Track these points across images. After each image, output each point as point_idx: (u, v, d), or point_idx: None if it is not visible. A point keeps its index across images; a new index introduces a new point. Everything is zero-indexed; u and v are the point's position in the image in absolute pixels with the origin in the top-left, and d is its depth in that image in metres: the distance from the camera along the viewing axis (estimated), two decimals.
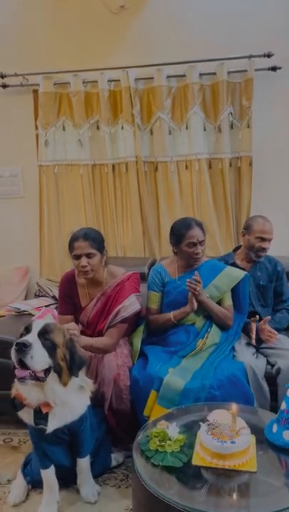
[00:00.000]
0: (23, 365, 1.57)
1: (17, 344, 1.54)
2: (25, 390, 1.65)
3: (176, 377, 2.02)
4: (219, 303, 2.37)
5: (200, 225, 2.35)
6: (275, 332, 2.31)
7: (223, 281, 2.36)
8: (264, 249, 2.47)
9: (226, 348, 2.28)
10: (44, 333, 1.63)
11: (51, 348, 1.63)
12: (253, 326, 2.32)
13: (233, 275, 2.38)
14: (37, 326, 1.64)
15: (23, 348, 1.54)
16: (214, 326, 2.33)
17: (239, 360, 2.19)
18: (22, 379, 1.57)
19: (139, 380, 2.09)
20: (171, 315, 2.32)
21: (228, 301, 2.39)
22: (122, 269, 2.33)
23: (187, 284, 2.22)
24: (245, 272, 2.40)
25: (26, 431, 2.29)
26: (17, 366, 1.57)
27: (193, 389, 1.97)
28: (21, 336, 1.63)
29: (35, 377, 1.60)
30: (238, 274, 2.38)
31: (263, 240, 2.45)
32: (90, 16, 2.98)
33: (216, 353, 2.23)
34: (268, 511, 1.24)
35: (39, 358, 1.59)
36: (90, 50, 3.01)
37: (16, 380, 1.61)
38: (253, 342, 2.31)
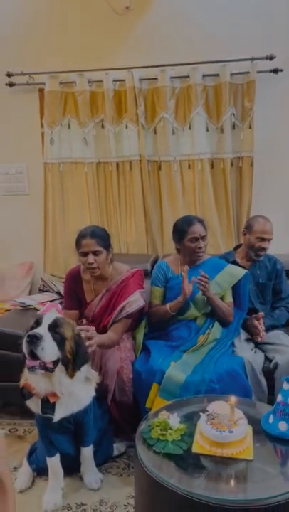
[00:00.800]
0: (34, 356, 1.64)
1: (29, 336, 1.61)
2: (34, 380, 1.73)
3: (178, 370, 2.09)
4: (220, 300, 2.44)
5: (201, 222, 2.43)
6: (263, 331, 2.38)
7: (225, 278, 2.43)
8: (264, 249, 2.53)
9: (225, 344, 2.35)
10: (54, 327, 1.70)
11: (60, 341, 1.70)
12: (257, 324, 2.39)
13: (234, 273, 2.45)
14: (47, 319, 1.71)
15: (35, 340, 1.61)
16: (216, 322, 2.40)
17: (238, 355, 2.26)
18: (32, 368, 1.64)
19: (142, 373, 2.15)
20: (167, 306, 2.39)
21: (229, 298, 2.46)
22: (127, 266, 2.40)
23: (196, 282, 2.27)
24: (246, 271, 2.47)
25: (31, 421, 2.40)
26: (28, 357, 1.64)
27: (194, 382, 2.04)
28: (31, 328, 1.69)
29: (45, 368, 1.67)
30: (239, 272, 2.45)
31: (262, 239, 2.51)
32: (95, 17, 3.03)
33: (216, 348, 2.30)
34: (263, 497, 1.30)
35: (49, 349, 1.65)
36: (95, 50, 3.06)
37: (26, 369, 1.68)
38: (260, 340, 2.37)
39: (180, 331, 2.39)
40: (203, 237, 2.40)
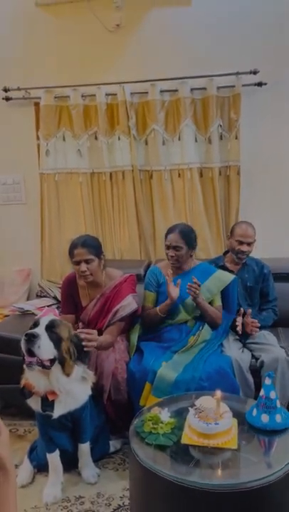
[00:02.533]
0: (32, 355, 1.76)
1: (26, 335, 1.74)
2: (33, 379, 1.84)
3: (169, 370, 2.20)
4: (210, 303, 2.55)
5: (181, 232, 2.50)
6: (255, 320, 2.49)
7: (214, 283, 2.54)
8: (243, 252, 2.65)
9: (214, 344, 2.46)
10: (51, 327, 1.82)
11: (57, 341, 1.82)
12: (239, 319, 2.52)
13: (222, 278, 2.56)
14: (44, 320, 1.84)
15: (32, 338, 1.74)
16: (206, 325, 2.51)
17: (226, 355, 2.38)
18: (30, 364, 1.76)
19: (135, 373, 2.26)
20: (157, 309, 2.50)
21: (218, 302, 2.58)
22: (120, 272, 2.52)
23: (188, 287, 2.37)
24: (234, 276, 2.58)
25: (31, 422, 2.50)
26: (26, 355, 1.76)
27: (184, 380, 2.16)
28: (30, 329, 1.81)
29: (42, 365, 1.79)
30: (227, 277, 2.56)
31: (241, 243, 2.63)
32: (88, 35, 3.15)
33: (205, 348, 2.41)
34: (245, 481, 1.43)
35: (45, 347, 1.78)
36: (88, 66, 3.17)
37: (24, 366, 1.79)
38: (239, 332, 2.49)
39: (171, 333, 2.50)
40: (175, 247, 2.47)
